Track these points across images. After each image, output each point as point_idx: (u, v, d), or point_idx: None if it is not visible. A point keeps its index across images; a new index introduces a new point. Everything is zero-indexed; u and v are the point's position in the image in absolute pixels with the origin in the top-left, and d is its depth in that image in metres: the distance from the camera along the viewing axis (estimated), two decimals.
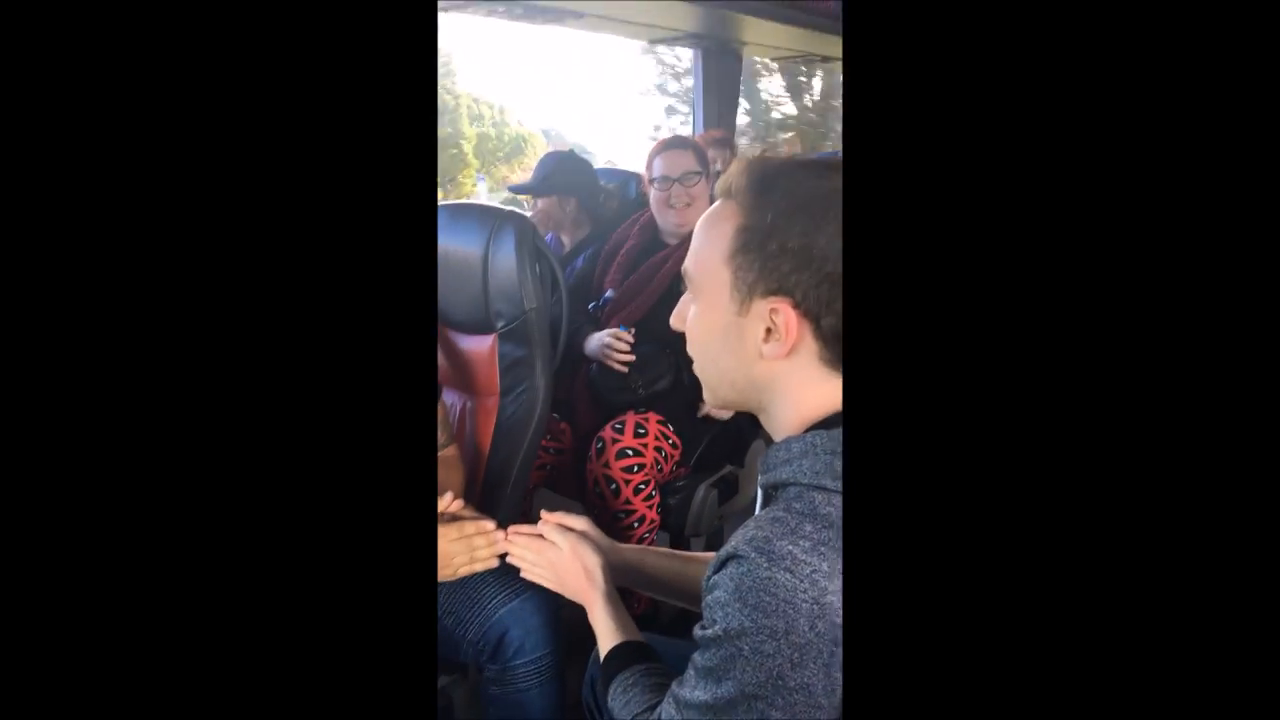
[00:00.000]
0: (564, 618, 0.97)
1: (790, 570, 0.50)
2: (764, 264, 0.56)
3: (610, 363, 1.41)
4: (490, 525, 0.87)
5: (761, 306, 0.57)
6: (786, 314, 0.55)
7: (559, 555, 0.78)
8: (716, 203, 0.61)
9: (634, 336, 1.42)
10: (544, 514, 0.82)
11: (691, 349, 0.64)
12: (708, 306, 0.60)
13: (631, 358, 1.40)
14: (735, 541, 0.54)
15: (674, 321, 0.65)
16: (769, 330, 0.57)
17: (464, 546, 0.85)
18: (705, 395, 0.66)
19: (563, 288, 1.25)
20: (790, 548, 0.51)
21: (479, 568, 0.87)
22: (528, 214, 1.59)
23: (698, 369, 0.65)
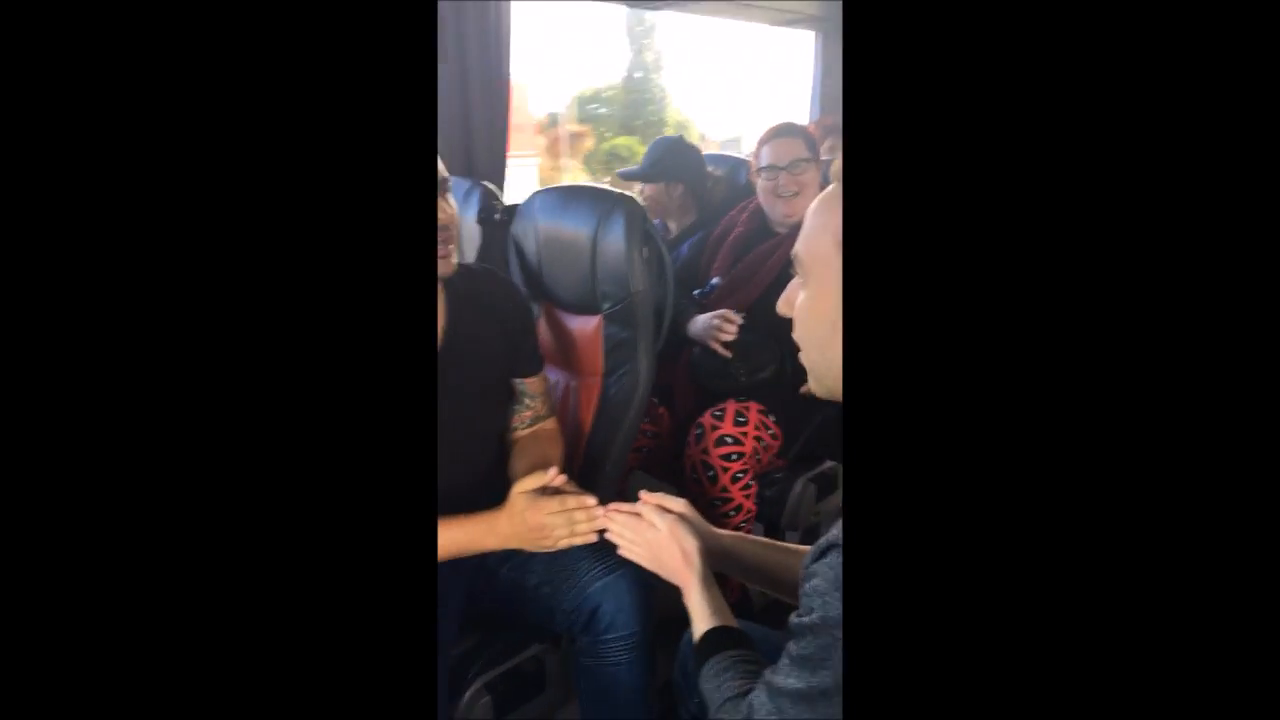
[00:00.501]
0: (656, 599, 0.98)
1: None
2: None
3: (715, 344, 1.39)
4: (591, 501, 0.89)
5: None
6: None
7: (657, 536, 0.79)
8: (830, 187, 0.60)
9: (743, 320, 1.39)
10: (643, 494, 0.83)
11: (799, 335, 0.62)
12: (818, 293, 0.59)
13: (733, 337, 1.38)
14: (836, 531, 0.54)
15: (781, 307, 0.64)
16: None
17: (564, 520, 0.88)
18: (810, 383, 0.64)
19: (669, 272, 1.25)
20: None
21: (577, 541, 0.89)
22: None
23: (804, 356, 0.63)
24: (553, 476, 0.90)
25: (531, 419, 1.10)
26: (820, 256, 0.58)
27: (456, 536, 0.91)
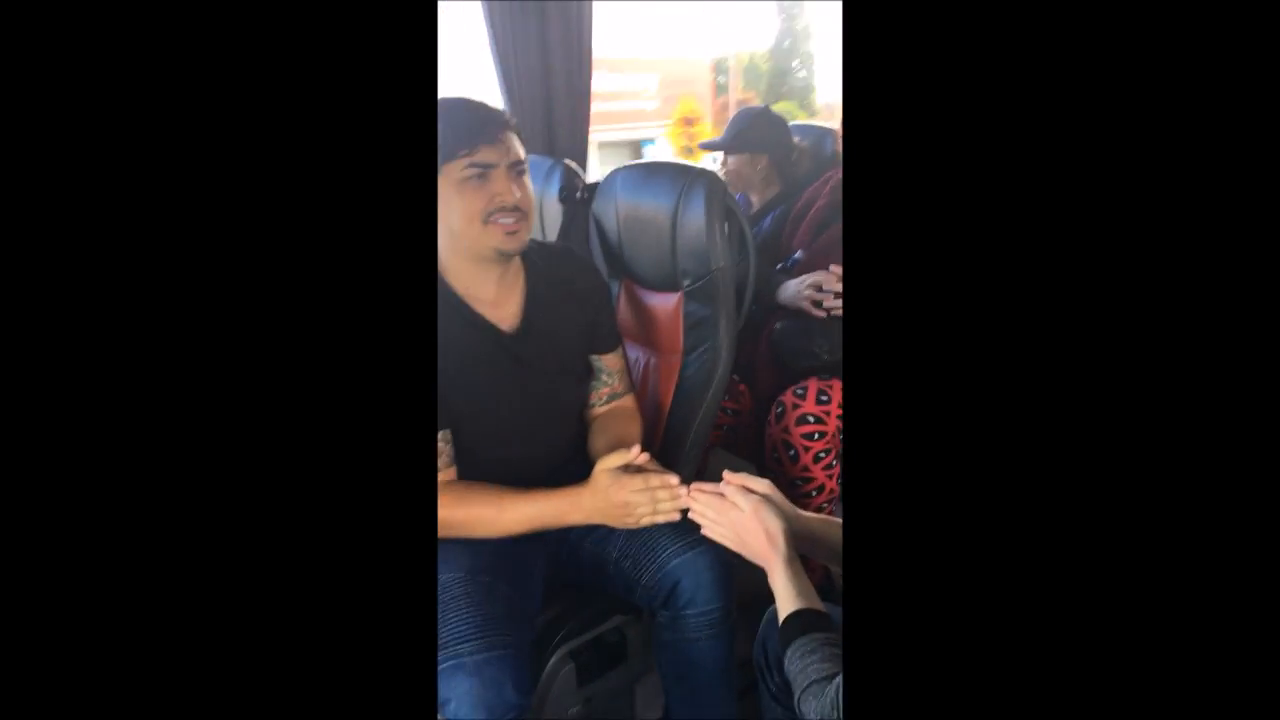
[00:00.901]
0: (737, 577, 0.98)
1: None
2: None
3: (811, 307, 1.36)
4: (674, 480, 0.90)
5: None
6: None
7: (741, 516, 0.79)
8: None
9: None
10: (727, 474, 0.83)
11: None
12: None
13: (838, 294, 1.33)
14: None
15: None
16: None
17: (648, 498, 0.89)
18: None
19: (750, 247, 1.23)
20: None
21: (660, 519, 0.91)
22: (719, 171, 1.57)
23: None
24: (635, 454, 0.91)
25: (609, 396, 1.12)
26: None
27: (543, 509, 0.93)
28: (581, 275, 1.09)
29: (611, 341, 1.12)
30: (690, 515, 0.87)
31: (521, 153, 0.93)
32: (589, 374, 1.10)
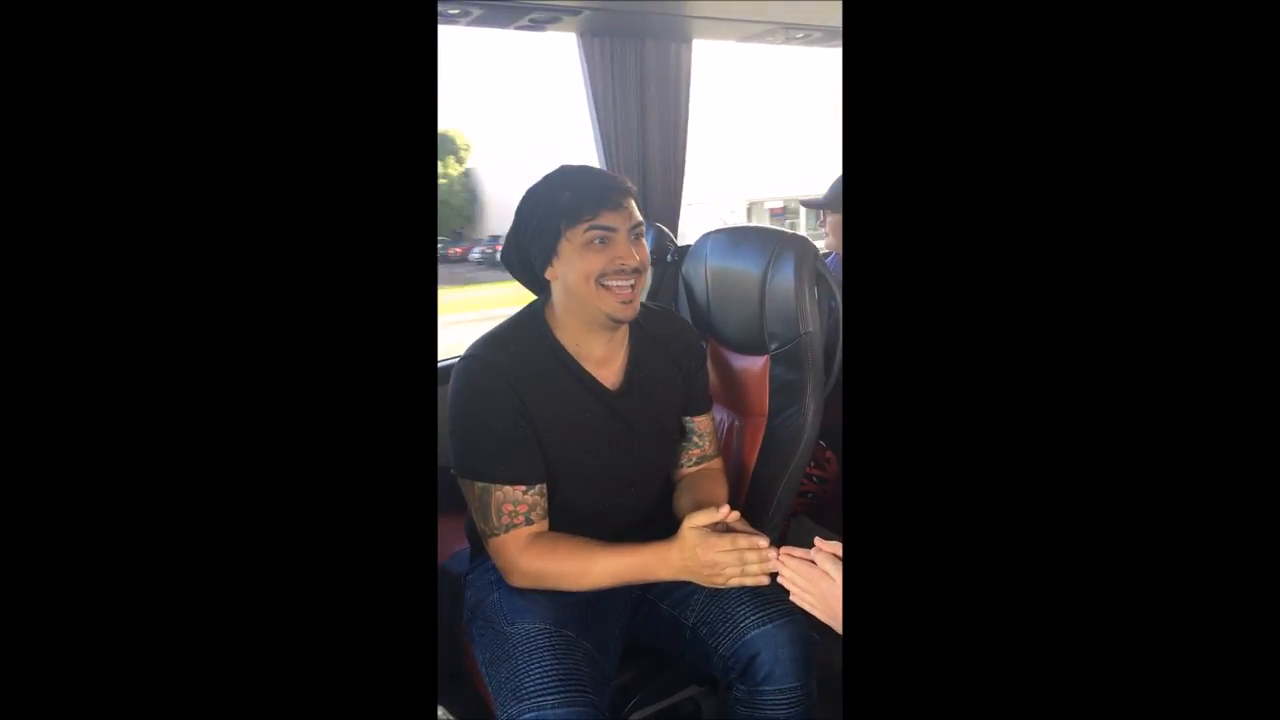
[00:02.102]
0: (819, 655, 0.93)
1: None
2: None
3: None
4: (764, 542, 0.88)
5: None
6: None
7: (832, 586, 0.76)
8: None
9: None
10: (819, 542, 0.80)
11: None
12: None
13: None
14: None
15: None
16: None
17: (735, 558, 0.88)
18: None
19: (840, 311, 1.22)
20: None
21: (748, 582, 0.89)
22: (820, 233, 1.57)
23: None
24: (725, 513, 0.90)
25: (699, 458, 1.12)
26: None
27: (630, 564, 0.93)
28: (681, 336, 1.10)
29: (704, 404, 1.13)
30: (780, 580, 0.84)
31: (640, 218, 0.96)
32: (681, 435, 1.11)
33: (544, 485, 0.96)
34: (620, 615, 1.02)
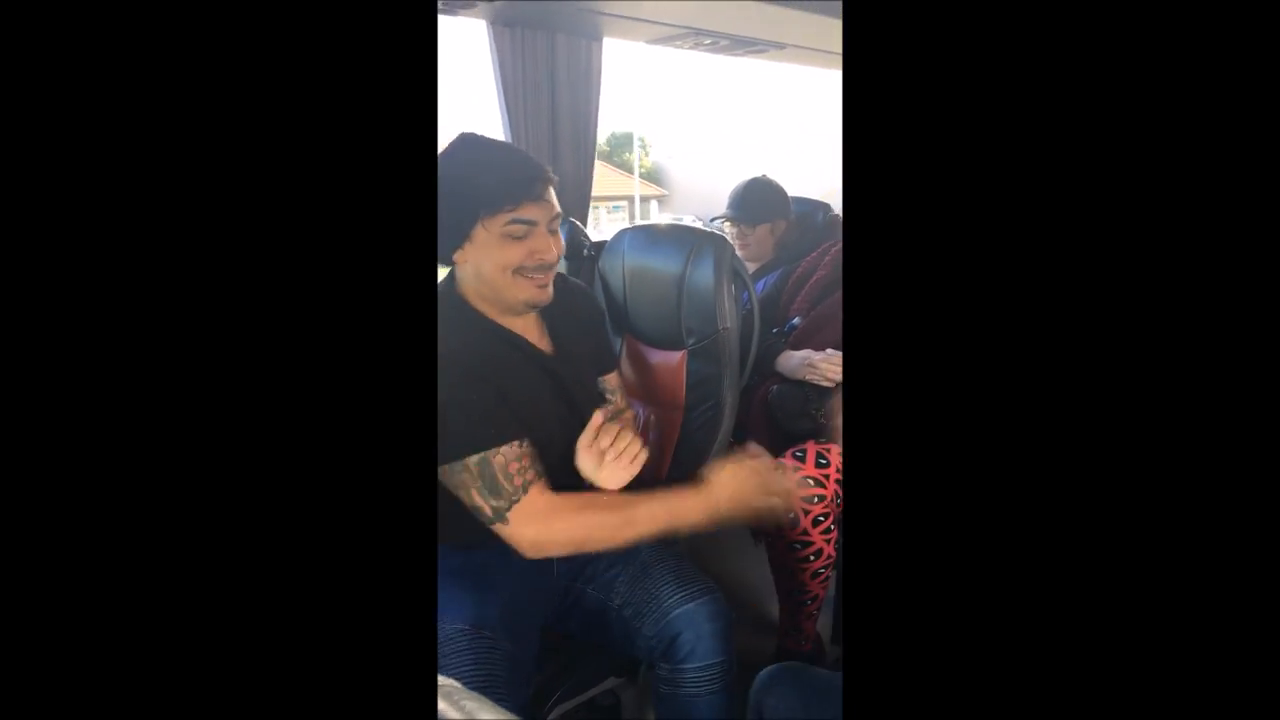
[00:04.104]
0: (737, 632, 0.96)
1: None
2: None
3: (815, 377, 1.39)
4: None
5: None
6: None
7: None
8: None
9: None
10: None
11: None
12: None
13: (838, 378, 1.37)
14: None
15: None
16: None
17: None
18: None
19: (755, 311, 1.26)
20: None
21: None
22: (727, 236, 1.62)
23: None
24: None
25: (614, 413, 1.13)
26: None
27: (673, 508, 0.91)
28: (583, 302, 1.12)
29: (612, 361, 1.16)
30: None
31: (559, 209, 0.95)
32: (600, 396, 1.13)
33: (526, 443, 0.91)
34: (543, 608, 1.01)
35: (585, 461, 0.94)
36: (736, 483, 0.92)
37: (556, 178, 0.95)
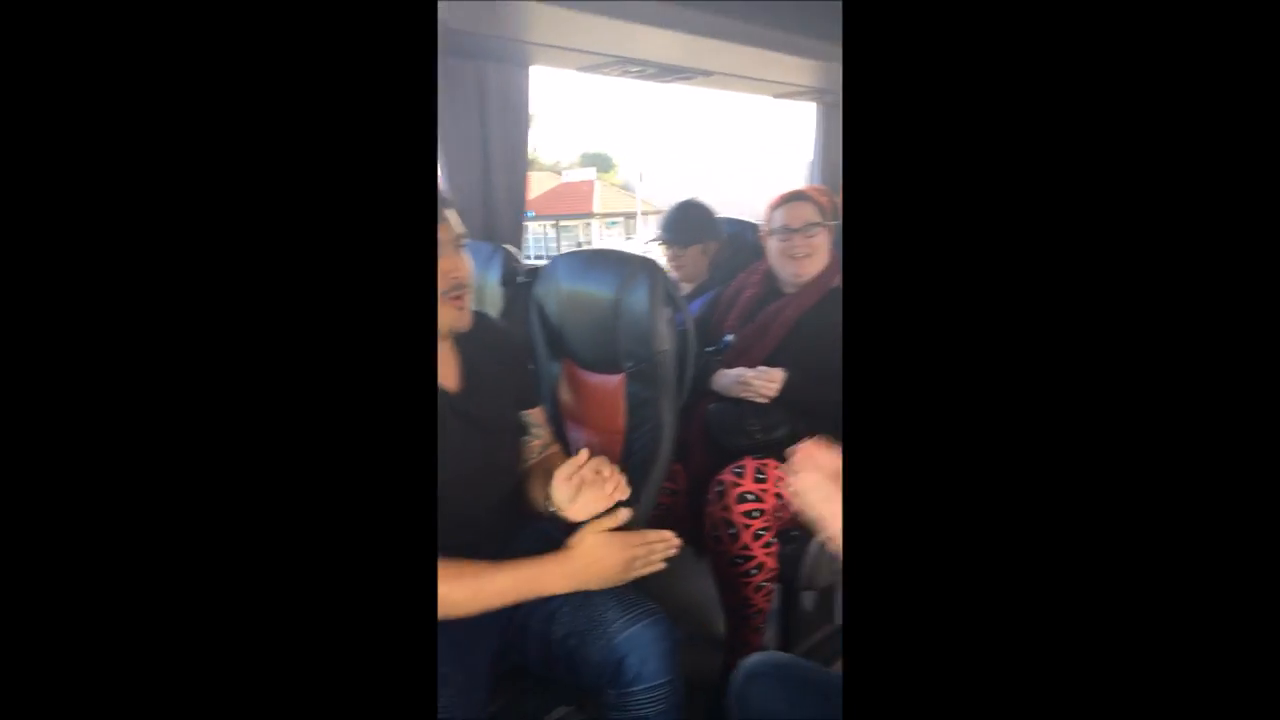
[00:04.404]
0: (684, 653, 0.97)
1: None
2: None
3: (749, 394, 1.42)
4: (671, 537, 0.96)
5: None
6: None
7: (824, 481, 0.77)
8: None
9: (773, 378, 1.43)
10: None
11: None
12: None
13: (776, 394, 1.41)
14: None
15: None
16: None
17: (645, 550, 0.95)
18: None
19: (690, 330, 1.29)
20: None
21: (653, 568, 0.95)
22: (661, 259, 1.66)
23: None
24: (585, 457, 0.97)
25: (541, 447, 1.16)
26: None
27: (520, 579, 0.92)
28: (503, 337, 1.12)
29: (535, 396, 1.17)
30: (791, 492, 0.81)
31: (461, 228, 0.97)
32: (521, 430, 1.13)
33: None
34: (489, 642, 1.00)
35: (561, 492, 0.97)
36: (599, 557, 0.95)
37: (452, 198, 0.96)
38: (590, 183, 21.27)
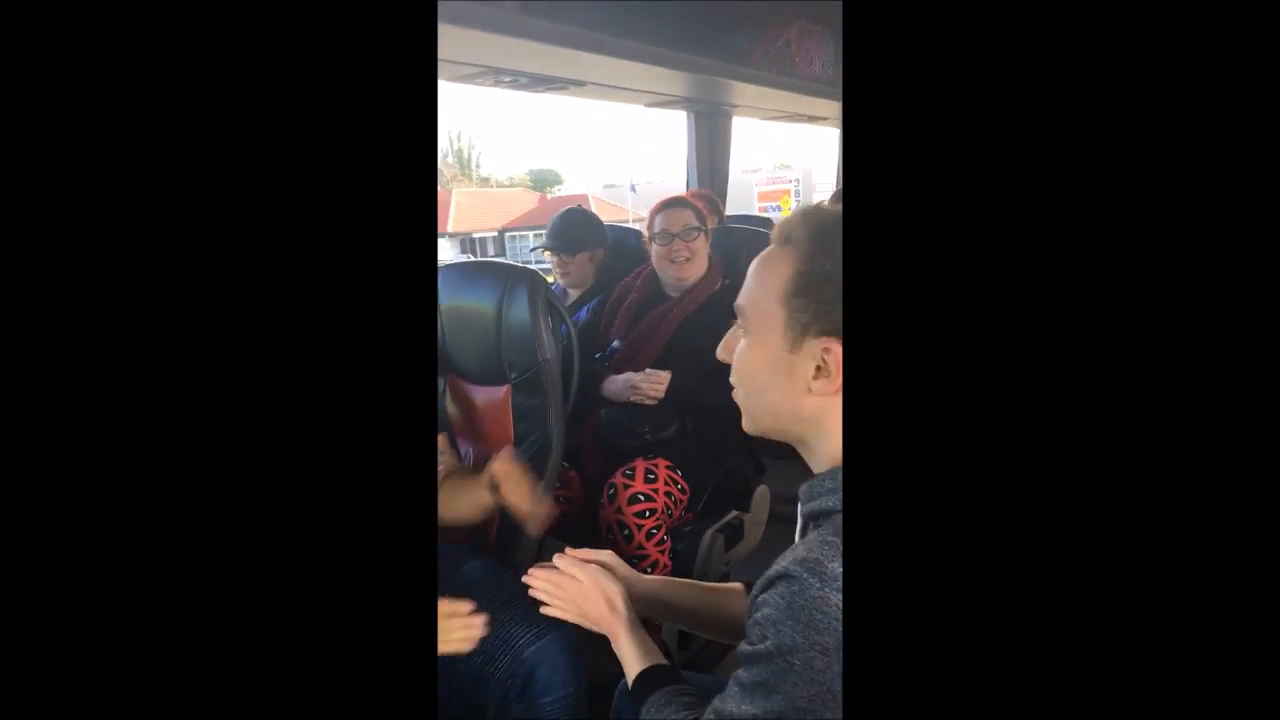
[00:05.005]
0: (592, 659, 0.99)
1: (841, 590, 0.53)
2: (819, 306, 0.60)
3: (639, 398, 1.45)
4: (464, 608, 0.81)
5: (814, 345, 0.60)
6: (837, 353, 0.59)
7: (579, 588, 0.80)
8: (771, 247, 0.65)
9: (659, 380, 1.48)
10: (567, 550, 0.83)
11: (737, 379, 0.67)
12: (759, 342, 0.64)
13: (663, 395, 1.45)
14: (785, 562, 0.57)
15: (721, 352, 0.69)
16: (819, 368, 0.61)
17: (441, 630, 0.78)
18: (745, 423, 0.68)
19: (574, 339, 1.31)
20: (840, 569, 0.53)
21: (453, 651, 0.80)
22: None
23: (741, 397, 0.68)
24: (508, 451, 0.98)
25: (446, 470, 1.15)
26: (763, 310, 0.63)
27: None
28: None
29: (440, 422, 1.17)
30: (531, 594, 0.82)
31: None
32: None
33: None
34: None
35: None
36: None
37: None
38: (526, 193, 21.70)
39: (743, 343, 0.67)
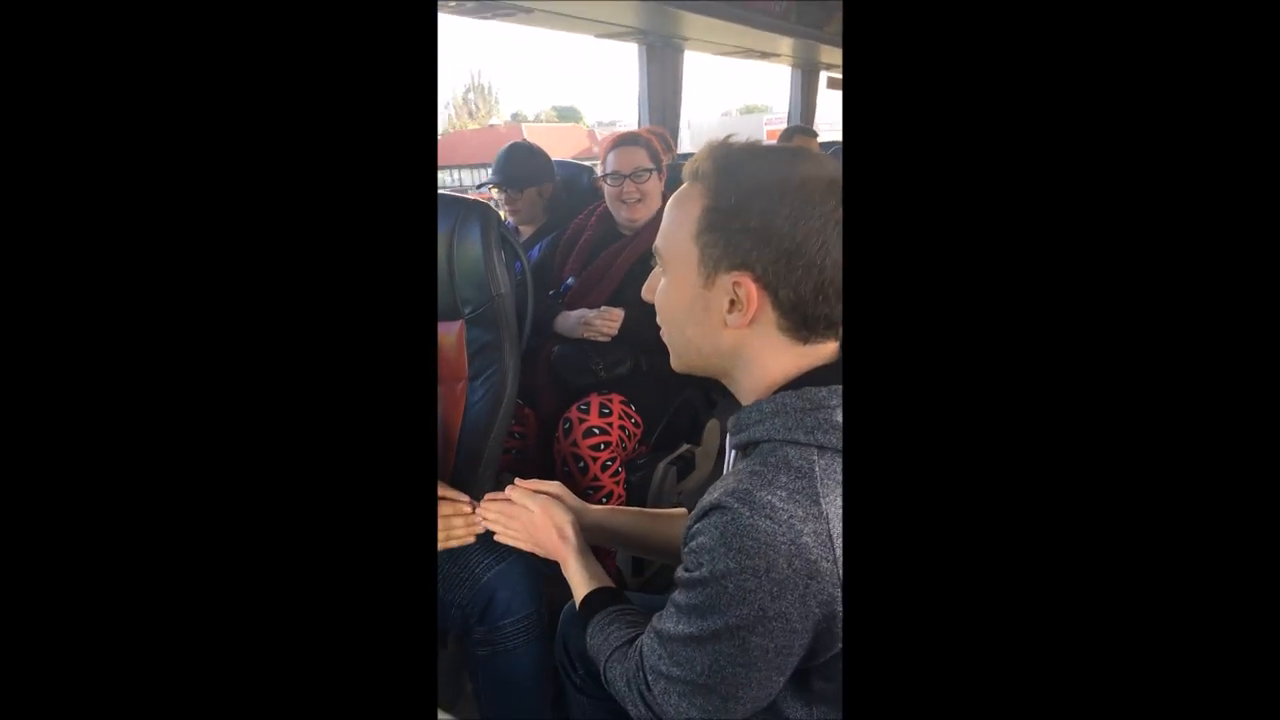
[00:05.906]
0: (549, 583, 1.02)
1: (770, 517, 0.55)
2: (728, 241, 0.60)
3: (592, 334, 1.46)
4: (464, 498, 0.90)
5: (725, 280, 0.61)
6: (748, 286, 0.60)
7: (531, 517, 0.84)
8: (684, 184, 0.66)
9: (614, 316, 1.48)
10: (517, 480, 0.87)
11: (661, 319, 0.69)
12: (676, 280, 0.65)
13: (616, 332, 1.45)
14: (717, 494, 0.59)
15: (645, 294, 0.70)
16: (732, 302, 0.62)
17: (441, 525, 0.88)
18: (673, 361, 0.70)
19: (528, 274, 1.30)
20: (769, 497, 0.56)
21: (454, 544, 0.89)
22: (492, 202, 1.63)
23: (666, 336, 0.70)
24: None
25: None
26: (677, 248, 0.64)
27: None
28: None
29: None
30: (484, 524, 0.88)
31: None
32: None
33: None
34: None
35: None
36: None
37: None
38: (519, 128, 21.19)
39: (662, 282, 0.68)
